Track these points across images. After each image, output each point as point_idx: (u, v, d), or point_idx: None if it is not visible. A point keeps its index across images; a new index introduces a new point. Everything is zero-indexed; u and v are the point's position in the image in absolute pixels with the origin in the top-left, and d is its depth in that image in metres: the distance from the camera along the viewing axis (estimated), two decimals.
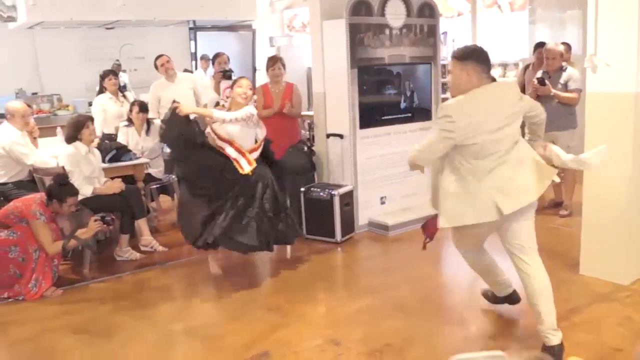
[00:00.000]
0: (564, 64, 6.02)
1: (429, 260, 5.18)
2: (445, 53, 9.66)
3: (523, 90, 7.68)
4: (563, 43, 6.42)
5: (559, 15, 8.52)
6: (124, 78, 9.70)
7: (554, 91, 5.88)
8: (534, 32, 8.79)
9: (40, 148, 5.71)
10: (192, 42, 11.32)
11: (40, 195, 4.83)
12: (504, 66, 9.18)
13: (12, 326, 4.19)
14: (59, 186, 4.77)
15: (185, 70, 8.95)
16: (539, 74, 6.20)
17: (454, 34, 10.31)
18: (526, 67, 7.72)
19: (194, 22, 11.00)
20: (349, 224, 5.68)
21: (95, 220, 4.79)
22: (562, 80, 5.94)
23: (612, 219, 4.30)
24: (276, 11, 12.49)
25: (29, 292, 4.59)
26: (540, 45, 7.52)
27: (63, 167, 5.18)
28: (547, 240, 5.40)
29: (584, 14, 6.92)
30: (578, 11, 8.07)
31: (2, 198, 5.25)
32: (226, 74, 6.62)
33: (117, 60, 9.69)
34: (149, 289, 4.79)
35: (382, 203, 6.03)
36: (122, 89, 7.27)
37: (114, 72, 7.01)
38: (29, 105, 5.96)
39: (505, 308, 4.16)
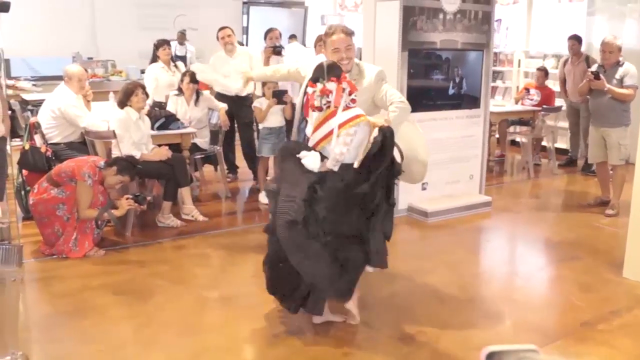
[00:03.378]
0: (620, 58, 5.84)
1: (467, 248, 5.15)
2: (498, 41, 9.50)
3: (563, 84, 7.82)
4: None
5: (619, 8, 8.25)
6: (189, 48, 9.79)
7: (607, 86, 5.72)
8: (592, 25, 8.54)
9: (92, 112, 5.84)
10: (245, 17, 11.37)
11: (95, 159, 4.96)
12: (558, 57, 8.92)
13: (55, 281, 4.34)
14: (129, 162, 4.92)
15: (239, 44, 8.98)
16: (594, 67, 6.04)
17: (508, 22, 10.12)
18: (565, 61, 7.79)
19: None
20: None
21: (127, 199, 4.85)
22: (617, 76, 5.77)
23: None
24: None
25: (70, 251, 4.71)
26: (572, 38, 7.61)
27: (114, 132, 5.30)
28: (590, 239, 5.33)
29: None
30: (639, 5, 7.84)
31: (54, 157, 5.41)
32: (276, 50, 6.64)
33: (184, 29, 9.73)
34: (187, 255, 4.89)
35: (424, 189, 5.98)
36: (174, 59, 7.36)
37: (168, 42, 7.08)
38: (84, 69, 6.10)
39: (542, 303, 4.12)
